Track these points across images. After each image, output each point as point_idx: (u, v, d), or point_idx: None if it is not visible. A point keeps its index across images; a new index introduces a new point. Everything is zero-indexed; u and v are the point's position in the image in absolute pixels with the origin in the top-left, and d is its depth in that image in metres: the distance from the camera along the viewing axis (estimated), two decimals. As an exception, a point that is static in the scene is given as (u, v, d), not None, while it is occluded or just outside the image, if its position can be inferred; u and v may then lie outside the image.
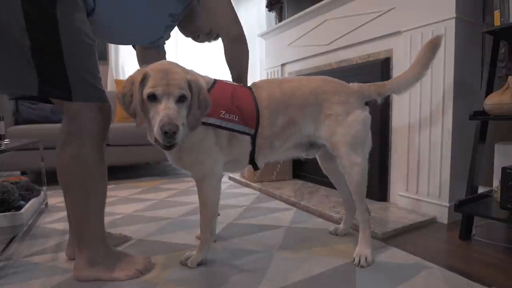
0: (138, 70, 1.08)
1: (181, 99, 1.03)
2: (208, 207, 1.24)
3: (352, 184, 1.31)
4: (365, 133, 1.33)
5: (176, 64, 1.11)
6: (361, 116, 1.31)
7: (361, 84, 1.39)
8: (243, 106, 1.22)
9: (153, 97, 1.01)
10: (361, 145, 1.31)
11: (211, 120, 1.16)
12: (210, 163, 1.21)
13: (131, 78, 1.07)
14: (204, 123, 1.15)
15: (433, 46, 1.33)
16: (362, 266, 1.23)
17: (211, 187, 1.23)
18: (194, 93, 1.07)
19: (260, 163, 1.34)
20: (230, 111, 1.19)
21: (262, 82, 1.37)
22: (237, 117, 1.19)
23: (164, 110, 0.98)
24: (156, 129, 0.98)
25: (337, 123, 1.29)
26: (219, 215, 1.45)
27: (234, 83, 1.32)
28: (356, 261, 1.26)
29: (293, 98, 1.30)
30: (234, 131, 1.20)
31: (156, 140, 1.03)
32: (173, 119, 0.97)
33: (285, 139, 1.32)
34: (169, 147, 1.02)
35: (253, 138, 1.25)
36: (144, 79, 1.03)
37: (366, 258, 1.26)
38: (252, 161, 1.31)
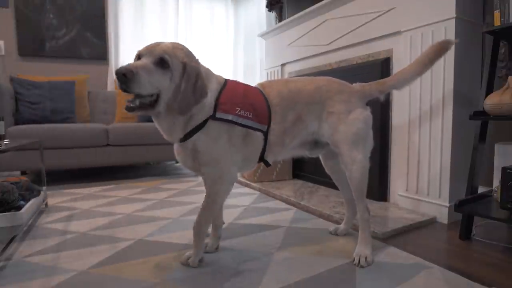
0: None
1: (162, 64, 1.02)
2: (216, 206, 1.24)
3: (353, 181, 1.33)
4: (366, 131, 1.34)
5: (183, 47, 1.11)
6: (363, 115, 1.33)
7: (363, 84, 1.41)
8: (256, 103, 1.23)
9: (138, 58, 1.04)
10: (362, 143, 1.33)
11: (229, 117, 1.15)
12: (226, 162, 1.20)
13: None
14: (221, 119, 1.14)
15: (440, 48, 1.33)
16: (362, 266, 1.23)
17: (225, 187, 1.22)
18: (188, 77, 1.06)
19: (269, 160, 1.34)
20: (245, 108, 1.19)
21: (267, 82, 1.39)
22: (251, 114, 1.20)
23: (134, 63, 0.99)
24: None
25: (339, 120, 1.32)
26: (224, 223, 1.48)
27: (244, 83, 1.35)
28: (356, 261, 1.26)
29: (299, 95, 1.33)
30: (249, 127, 1.20)
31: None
32: (132, 66, 0.96)
33: (294, 136, 1.34)
34: (130, 108, 1.01)
35: (265, 135, 1.26)
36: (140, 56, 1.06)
37: (366, 258, 1.26)
38: (262, 159, 1.31)
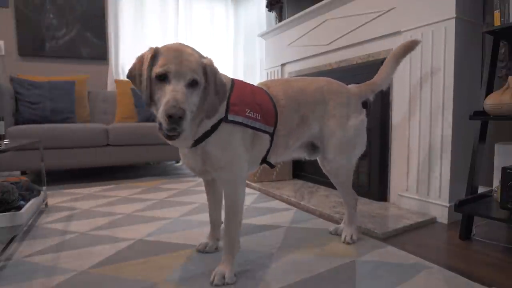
0: (149, 48, 1.01)
1: (192, 84, 0.96)
2: (238, 212, 1.18)
3: (339, 185, 1.47)
4: (361, 138, 1.43)
5: (192, 48, 1.03)
6: (359, 119, 1.42)
7: (357, 85, 1.48)
8: (263, 104, 1.20)
9: (162, 77, 0.94)
10: (352, 149, 1.41)
11: (240, 119, 1.11)
12: (240, 164, 1.15)
13: (142, 56, 1.01)
14: (232, 122, 1.09)
15: (408, 47, 1.51)
16: (348, 243, 1.43)
17: (240, 190, 1.18)
18: (210, 79, 1.00)
19: (272, 162, 1.34)
20: (254, 109, 1.15)
21: (270, 81, 1.38)
22: (259, 115, 1.17)
23: (171, 92, 0.91)
24: (160, 111, 0.91)
25: (339, 125, 1.37)
26: (222, 222, 1.41)
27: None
28: (343, 239, 1.45)
29: (303, 95, 1.34)
30: (258, 129, 1.17)
31: (159, 128, 0.96)
32: (181, 102, 0.90)
33: (297, 137, 1.35)
34: (171, 137, 0.94)
35: (271, 136, 1.24)
36: (154, 57, 0.98)
37: (351, 236, 1.44)
38: (263, 160, 1.30)
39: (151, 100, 1.00)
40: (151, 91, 0.98)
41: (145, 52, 1.01)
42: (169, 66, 0.94)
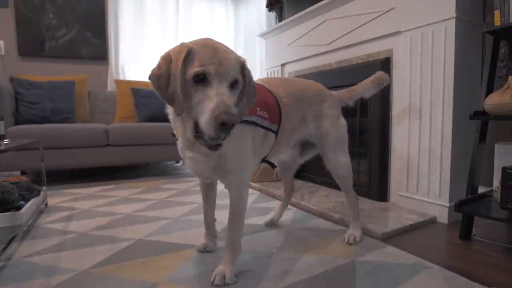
0: (179, 45, 0.90)
1: (233, 84, 0.87)
2: (242, 214, 1.16)
3: (341, 181, 1.48)
4: (346, 135, 1.49)
5: (222, 43, 0.95)
6: (344, 120, 1.48)
7: (338, 91, 1.55)
8: (268, 102, 1.18)
9: (201, 78, 0.84)
10: (346, 146, 1.47)
11: (253, 118, 1.06)
12: (248, 166, 1.12)
13: (169, 54, 0.89)
14: (245, 122, 1.04)
15: (375, 84, 1.57)
16: (350, 244, 1.42)
17: (245, 193, 1.15)
18: (247, 79, 0.92)
19: (272, 160, 1.35)
20: (262, 108, 1.12)
21: (268, 79, 1.38)
22: (267, 114, 1.14)
23: (218, 96, 0.81)
24: (207, 118, 0.80)
25: (332, 124, 1.42)
26: (215, 220, 1.41)
27: None
28: (346, 239, 1.45)
29: (304, 94, 1.37)
30: (266, 128, 1.14)
31: (196, 136, 0.87)
32: (230, 107, 0.80)
33: (297, 135, 1.37)
34: (216, 147, 0.86)
35: (276, 134, 1.22)
36: (188, 56, 0.86)
37: (355, 238, 1.44)
38: (264, 159, 1.29)
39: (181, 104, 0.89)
40: (184, 96, 0.87)
41: (171, 51, 0.90)
42: (208, 66, 0.84)
